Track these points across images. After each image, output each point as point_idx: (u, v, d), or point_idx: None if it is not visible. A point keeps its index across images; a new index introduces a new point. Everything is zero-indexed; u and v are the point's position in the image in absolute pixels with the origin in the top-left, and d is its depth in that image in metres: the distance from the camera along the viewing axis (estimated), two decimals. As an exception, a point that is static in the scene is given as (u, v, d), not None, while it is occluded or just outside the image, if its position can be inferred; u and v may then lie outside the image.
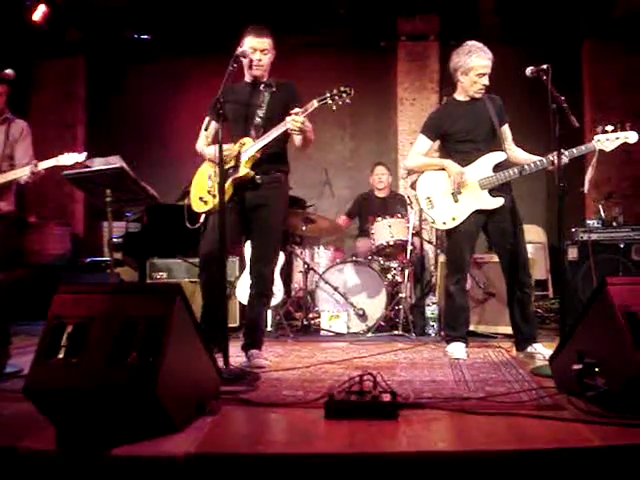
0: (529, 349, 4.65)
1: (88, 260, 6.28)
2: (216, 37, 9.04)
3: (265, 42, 4.44)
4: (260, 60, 4.44)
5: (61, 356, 2.65)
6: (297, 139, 4.38)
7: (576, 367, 2.99)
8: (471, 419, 2.86)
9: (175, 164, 9.07)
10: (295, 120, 4.17)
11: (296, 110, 4.22)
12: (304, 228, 6.85)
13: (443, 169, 4.82)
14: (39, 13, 8.41)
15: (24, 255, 8.72)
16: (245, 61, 4.44)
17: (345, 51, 9.62)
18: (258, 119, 4.44)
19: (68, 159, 5.03)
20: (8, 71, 4.47)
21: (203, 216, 4.53)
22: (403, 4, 9.15)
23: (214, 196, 4.30)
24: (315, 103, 4.24)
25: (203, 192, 4.44)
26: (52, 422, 2.65)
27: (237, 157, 4.37)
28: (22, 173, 4.80)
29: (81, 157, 5.07)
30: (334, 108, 4.25)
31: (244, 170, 4.34)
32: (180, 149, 8.94)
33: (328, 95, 4.24)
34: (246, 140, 4.40)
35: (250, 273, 4.57)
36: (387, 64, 9.68)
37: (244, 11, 8.78)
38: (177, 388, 2.65)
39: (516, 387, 3.51)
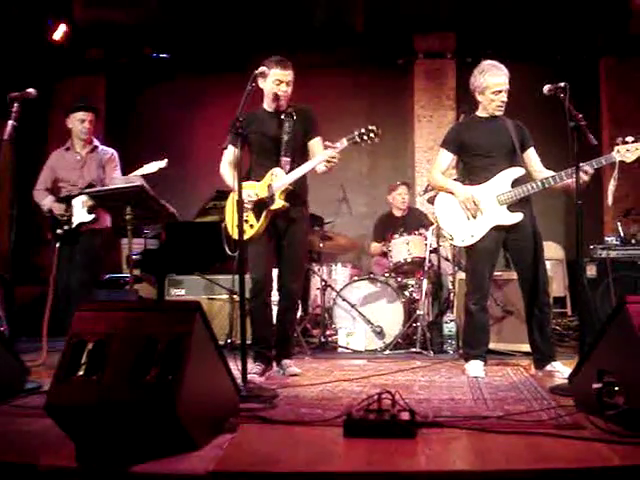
0: (548, 367, 4.62)
1: (107, 277, 6.33)
2: (233, 56, 9.15)
3: (289, 74, 4.68)
4: (286, 92, 4.68)
5: (81, 373, 2.67)
6: (320, 169, 4.61)
7: (596, 386, 2.97)
8: (490, 438, 2.84)
9: (192, 182, 9.14)
10: (332, 160, 4.47)
11: (331, 153, 4.46)
12: (321, 245, 6.89)
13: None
14: (60, 32, 8.52)
15: (42, 271, 8.78)
16: (267, 91, 4.70)
17: (362, 69, 9.68)
18: (285, 150, 4.68)
19: (152, 167, 5.49)
20: (30, 90, 4.54)
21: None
22: (420, 22, 9.19)
23: (251, 226, 4.62)
24: (345, 142, 4.48)
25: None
26: (72, 439, 2.66)
27: (269, 188, 4.62)
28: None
29: (163, 163, 5.51)
30: (363, 145, 4.51)
31: (280, 202, 4.60)
32: (198, 167, 9.03)
33: (356, 134, 4.47)
34: (277, 171, 4.65)
35: (279, 289, 4.84)
36: (404, 81, 9.72)
37: (261, 31, 8.90)
38: (196, 406, 2.65)
39: (535, 406, 3.49)
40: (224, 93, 8.51)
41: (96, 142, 5.82)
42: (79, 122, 5.71)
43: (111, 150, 5.83)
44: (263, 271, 4.67)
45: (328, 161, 4.48)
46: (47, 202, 5.64)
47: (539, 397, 3.75)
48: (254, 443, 2.86)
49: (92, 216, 5.45)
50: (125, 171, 5.79)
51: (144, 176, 5.51)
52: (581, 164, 4.44)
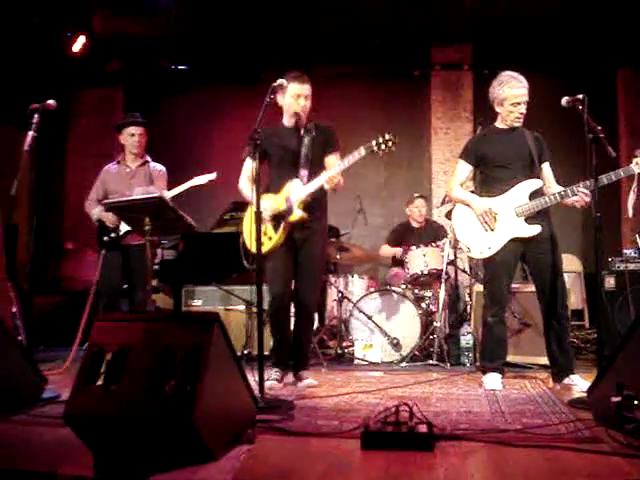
0: (566, 380, 4.59)
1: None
2: (250, 68, 9.19)
3: (307, 88, 4.73)
4: (304, 106, 4.73)
5: (100, 383, 2.68)
6: (327, 187, 4.63)
7: (615, 399, 2.95)
8: (508, 451, 2.82)
9: (209, 193, 9.13)
10: (332, 180, 4.52)
11: (330, 173, 4.52)
12: (338, 256, 6.89)
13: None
14: (79, 44, 8.58)
15: (60, 281, 8.85)
16: (286, 107, 4.75)
17: (379, 80, 9.70)
18: (304, 163, 4.71)
19: (202, 179, 5.83)
20: (50, 102, 4.59)
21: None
22: (437, 34, 9.21)
23: (270, 238, 4.64)
24: (362, 151, 4.47)
25: None
26: (91, 448, 2.67)
27: (287, 200, 4.65)
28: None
29: (212, 176, 5.83)
30: (380, 154, 4.48)
31: (298, 213, 4.62)
32: (215, 178, 9.06)
33: (374, 143, 4.45)
34: (295, 183, 4.68)
35: (295, 302, 4.87)
36: (421, 93, 9.72)
37: (278, 43, 8.94)
38: (214, 417, 2.66)
39: (553, 419, 3.47)
40: (241, 105, 8.58)
41: (147, 157, 6.05)
42: (130, 136, 5.94)
43: (161, 166, 6.05)
44: (282, 286, 4.71)
45: (329, 180, 4.53)
46: (96, 212, 5.86)
47: (557, 410, 3.73)
48: (271, 454, 2.86)
49: None
50: (173, 183, 6.02)
51: (192, 188, 5.79)
52: (582, 183, 4.44)
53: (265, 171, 4.76)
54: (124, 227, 5.69)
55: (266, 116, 4.16)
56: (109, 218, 5.74)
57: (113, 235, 5.77)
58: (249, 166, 4.72)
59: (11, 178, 4.41)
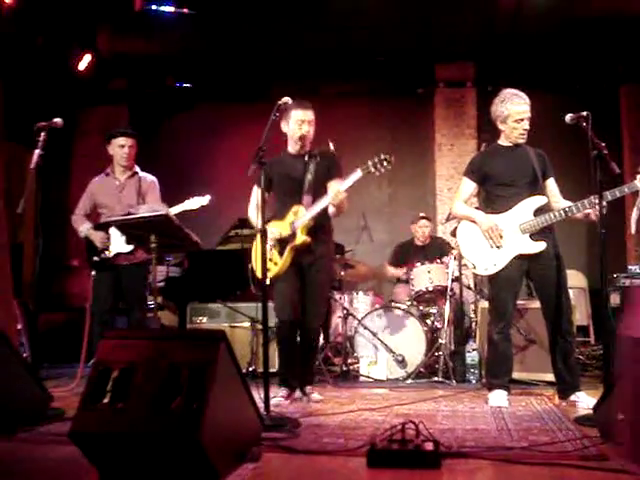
0: (572, 397, 4.58)
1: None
2: (255, 86, 9.23)
3: (310, 114, 4.82)
4: (308, 131, 4.82)
5: (107, 401, 2.68)
6: (331, 210, 4.75)
7: (621, 416, 2.95)
8: (515, 469, 2.82)
9: (214, 210, 9.16)
10: (338, 196, 4.57)
11: (337, 187, 4.60)
12: (343, 273, 6.90)
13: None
14: (84, 63, 8.64)
15: (65, 298, 8.86)
16: (291, 134, 4.84)
17: (383, 98, 9.72)
18: (307, 189, 4.80)
19: (194, 203, 5.57)
20: (57, 120, 4.61)
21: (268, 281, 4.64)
22: (440, 51, 9.25)
23: (275, 264, 4.71)
24: (359, 172, 4.55)
25: None
26: (96, 466, 2.67)
27: (291, 225, 4.74)
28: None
29: (205, 200, 5.60)
30: (377, 174, 4.55)
31: (302, 237, 4.70)
32: (220, 195, 9.06)
33: (370, 164, 4.52)
34: (298, 208, 4.76)
35: (300, 326, 4.91)
36: (424, 110, 9.75)
37: (282, 61, 8.99)
38: (220, 435, 2.65)
39: (560, 436, 3.46)
40: (246, 122, 8.60)
41: (137, 169, 5.88)
42: (119, 148, 5.76)
43: (151, 177, 5.89)
44: (289, 311, 4.77)
45: (334, 197, 4.57)
46: (84, 229, 5.67)
47: (564, 427, 3.72)
48: (277, 473, 2.85)
49: (131, 247, 5.46)
50: (177, 201, 5.84)
51: (185, 212, 5.55)
52: (586, 200, 4.45)
53: (271, 201, 4.87)
54: (114, 248, 5.53)
55: (271, 134, 4.18)
56: (98, 237, 5.58)
57: (103, 256, 5.56)
58: (257, 193, 4.77)
59: (18, 196, 4.43)
